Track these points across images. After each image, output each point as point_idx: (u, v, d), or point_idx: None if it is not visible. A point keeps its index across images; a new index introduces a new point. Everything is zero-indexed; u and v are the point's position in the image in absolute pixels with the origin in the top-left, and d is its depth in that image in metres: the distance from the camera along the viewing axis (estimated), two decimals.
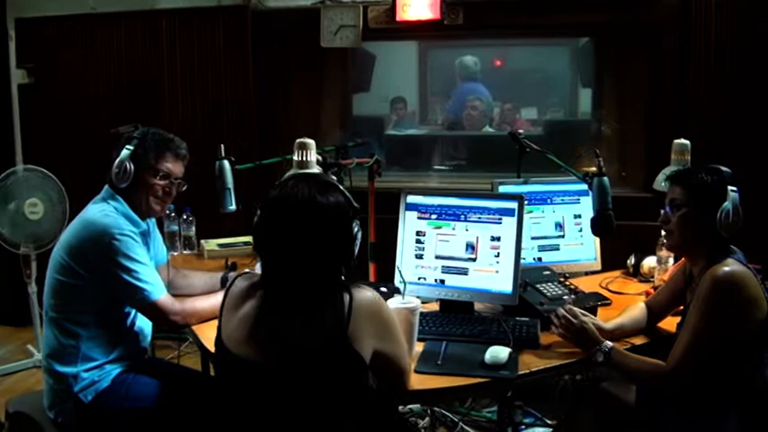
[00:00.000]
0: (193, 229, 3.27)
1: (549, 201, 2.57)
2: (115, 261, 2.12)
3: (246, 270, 1.89)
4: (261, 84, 3.93)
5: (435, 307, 2.30)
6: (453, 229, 2.26)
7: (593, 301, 2.27)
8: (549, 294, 2.28)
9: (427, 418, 3.03)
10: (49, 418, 2.16)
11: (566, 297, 2.25)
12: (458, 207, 2.26)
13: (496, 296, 2.22)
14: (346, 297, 1.59)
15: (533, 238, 2.56)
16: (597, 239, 2.59)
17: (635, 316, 2.17)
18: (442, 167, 4.91)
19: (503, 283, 2.20)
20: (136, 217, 2.27)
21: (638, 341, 2.10)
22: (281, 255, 1.64)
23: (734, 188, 1.88)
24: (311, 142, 2.20)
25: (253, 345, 1.59)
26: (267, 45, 3.91)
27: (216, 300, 2.32)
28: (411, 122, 6.31)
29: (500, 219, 2.22)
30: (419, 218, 2.30)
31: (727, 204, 1.87)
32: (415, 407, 3.09)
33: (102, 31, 3.96)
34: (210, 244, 3.22)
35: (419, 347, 2.03)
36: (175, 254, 3.20)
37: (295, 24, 3.86)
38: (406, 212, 2.31)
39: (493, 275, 2.21)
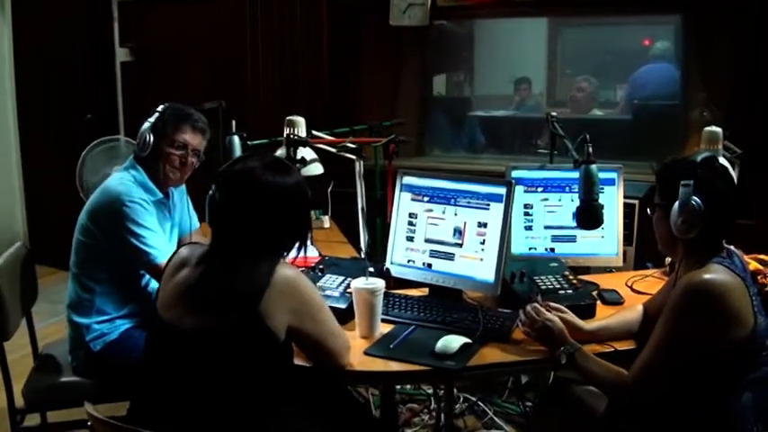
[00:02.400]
0: None
1: (567, 188, 2.40)
2: (124, 226, 2.30)
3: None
4: (334, 63, 3.99)
5: (426, 291, 2.25)
6: (443, 212, 2.19)
7: (580, 299, 2.08)
8: (544, 287, 2.15)
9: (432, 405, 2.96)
10: (67, 362, 2.39)
11: (561, 291, 2.11)
12: (449, 190, 2.19)
13: (479, 284, 2.12)
14: (266, 273, 1.61)
15: (547, 228, 2.41)
16: (620, 232, 2.38)
17: (626, 318, 1.98)
18: (542, 150, 4.74)
19: (486, 271, 2.11)
20: (152, 186, 2.43)
21: (623, 345, 1.91)
22: (219, 227, 1.70)
23: (687, 181, 1.65)
24: (300, 120, 2.22)
25: (177, 310, 1.66)
26: (341, 24, 3.96)
27: None
28: (536, 104, 6.12)
29: (488, 204, 2.12)
30: (413, 199, 2.25)
31: (676, 203, 1.66)
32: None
33: (194, 13, 4.21)
34: None
35: (385, 329, 2.01)
36: None
37: (369, 3, 3.87)
38: (401, 194, 2.27)
39: (477, 263, 2.12)
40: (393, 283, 2.31)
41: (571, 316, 1.92)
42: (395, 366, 1.82)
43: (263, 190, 1.67)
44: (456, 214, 2.17)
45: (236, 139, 2.46)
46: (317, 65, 4.00)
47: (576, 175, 2.38)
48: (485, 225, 2.12)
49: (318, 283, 2.18)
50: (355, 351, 1.87)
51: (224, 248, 1.68)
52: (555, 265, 2.28)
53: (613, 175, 2.38)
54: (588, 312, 2.09)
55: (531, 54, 6.40)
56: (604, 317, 2.02)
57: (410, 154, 4.31)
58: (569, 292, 2.13)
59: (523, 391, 3.00)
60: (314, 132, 2.32)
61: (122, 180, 2.39)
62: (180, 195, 2.66)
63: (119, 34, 4.35)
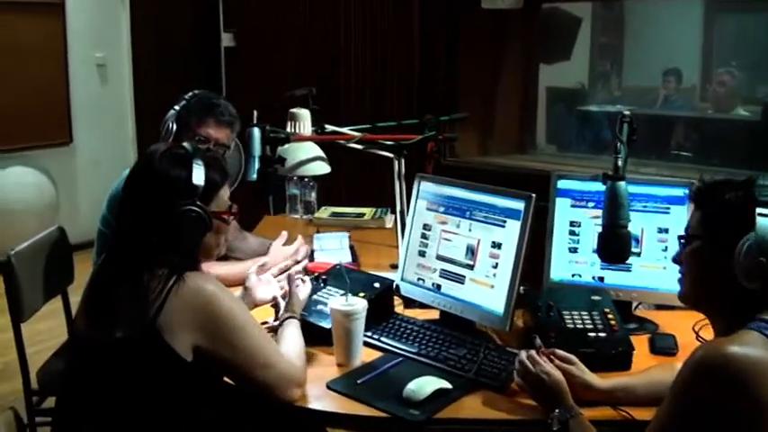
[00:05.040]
0: (314, 194, 3.25)
1: None
2: None
3: None
4: (426, 51, 3.70)
5: (436, 314, 1.94)
6: (458, 226, 1.87)
7: (609, 347, 1.67)
8: (571, 325, 1.76)
9: None
10: None
11: (591, 334, 1.72)
12: (464, 201, 1.86)
13: (486, 315, 1.78)
14: (169, 282, 1.42)
15: (596, 252, 1.99)
16: None
17: (657, 378, 1.55)
18: (681, 153, 4.14)
19: (496, 301, 1.76)
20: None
21: (644, 414, 1.49)
22: (117, 221, 1.58)
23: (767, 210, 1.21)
24: (303, 113, 1.98)
25: (80, 317, 1.52)
26: (435, 9, 3.66)
27: (234, 268, 2.31)
28: (686, 99, 5.45)
29: (504, 221, 1.77)
30: (428, 209, 1.95)
31: (751, 236, 1.22)
32: None
33: (292, 2, 4.12)
34: (324, 211, 3.18)
35: (370, 356, 1.74)
36: (296, 217, 3.22)
37: None
38: (418, 201, 1.98)
39: (487, 290, 1.78)
40: (405, 301, 2.03)
41: (579, 369, 1.53)
42: (350, 408, 1.55)
43: (150, 178, 1.51)
44: (470, 230, 1.84)
45: (255, 131, 2.28)
46: (408, 53, 3.73)
47: (638, 189, 1.97)
48: (499, 246, 1.77)
49: (315, 296, 1.96)
50: (322, 381, 1.63)
51: (121, 248, 1.50)
52: (597, 298, 1.87)
53: (683, 192, 1.92)
54: (620, 364, 1.69)
55: (684, 43, 5.70)
56: (632, 373, 1.61)
57: (508, 150, 3.94)
58: (601, 335, 1.73)
59: None
60: (331, 128, 2.08)
61: None
62: None
63: (223, 20, 4.36)
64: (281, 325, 1.70)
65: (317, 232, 2.88)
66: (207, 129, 2.31)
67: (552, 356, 1.54)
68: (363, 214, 3.11)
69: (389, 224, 3.00)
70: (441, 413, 1.51)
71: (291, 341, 1.62)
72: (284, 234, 2.41)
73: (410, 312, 2.01)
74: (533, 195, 1.70)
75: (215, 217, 1.55)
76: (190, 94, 2.40)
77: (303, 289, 1.79)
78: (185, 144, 1.57)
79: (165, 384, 1.44)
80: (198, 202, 1.49)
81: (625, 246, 1.56)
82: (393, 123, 2.48)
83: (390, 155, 2.31)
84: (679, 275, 1.42)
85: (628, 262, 1.95)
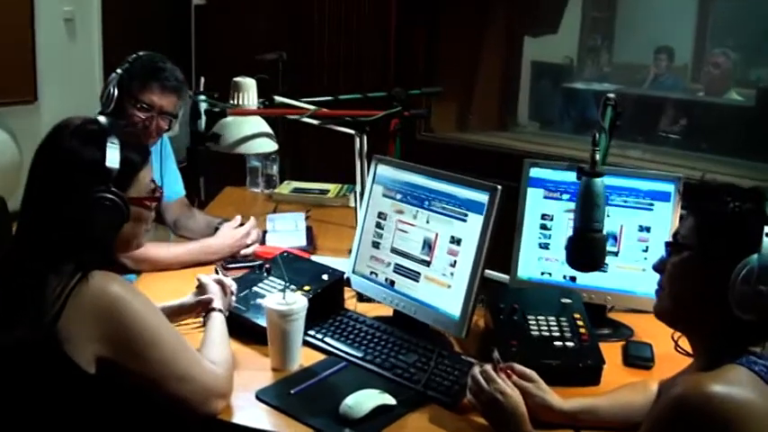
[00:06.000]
0: (275, 167, 3.04)
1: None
2: None
3: None
4: (404, 22, 3.46)
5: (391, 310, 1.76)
6: (415, 216, 1.67)
7: (577, 359, 1.49)
8: (536, 332, 1.58)
9: None
10: None
11: (557, 343, 1.54)
12: (424, 189, 1.66)
13: (442, 318, 1.59)
14: (71, 281, 1.22)
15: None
16: None
17: (627, 399, 1.38)
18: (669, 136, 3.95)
19: (452, 303, 1.57)
20: None
21: None
22: (22, 205, 1.35)
23: None
24: (248, 83, 1.75)
25: None
26: None
27: (176, 250, 2.11)
28: (677, 79, 5.24)
29: (465, 215, 1.57)
30: (384, 195, 1.75)
31: (753, 259, 1.03)
32: None
33: None
34: (285, 186, 2.97)
35: (311, 359, 1.56)
36: (257, 191, 3.01)
37: None
38: (374, 186, 1.77)
39: (443, 290, 1.59)
40: (359, 294, 1.84)
41: (539, 388, 1.35)
42: (278, 423, 1.36)
43: (57, 159, 1.30)
44: (428, 221, 1.64)
45: (203, 98, 2.05)
46: (385, 21, 3.48)
47: (618, 182, 1.77)
48: (458, 242, 1.57)
49: (255, 287, 1.76)
50: (252, 388, 1.45)
51: (23, 237, 1.30)
52: (567, 301, 1.68)
53: (669, 187, 1.73)
54: (588, 378, 1.52)
55: (679, 20, 5.47)
56: (600, 390, 1.43)
57: (489, 127, 3.73)
58: (569, 345, 1.55)
59: None
60: (282, 100, 1.86)
61: None
62: (160, 157, 2.32)
63: None
64: (205, 320, 1.51)
65: (275, 210, 2.68)
66: (150, 95, 2.09)
67: (510, 371, 1.36)
68: (328, 191, 2.90)
69: (353, 203, 2.80)
70: None
71: (216, 343, 1.43)
72: (237, 218, 2.21)
73: (363, 307, 1.83)
74: (499, 187, 1.50)
75: (134, 204, 1.34)
76: (134, 56, 2.17)
77: (232, 283, 1.60)
78: (100, 119, 1.35)
79: (65, 397, 1.25)
80: (113, 188, 1.28)
81: (598, 252, 1.37)
82: (358, 96, 2.27)
83: (351, 131, 2.10)
84: (657, 287, 1.23)
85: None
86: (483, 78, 3.65)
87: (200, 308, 1.56)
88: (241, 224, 2.20)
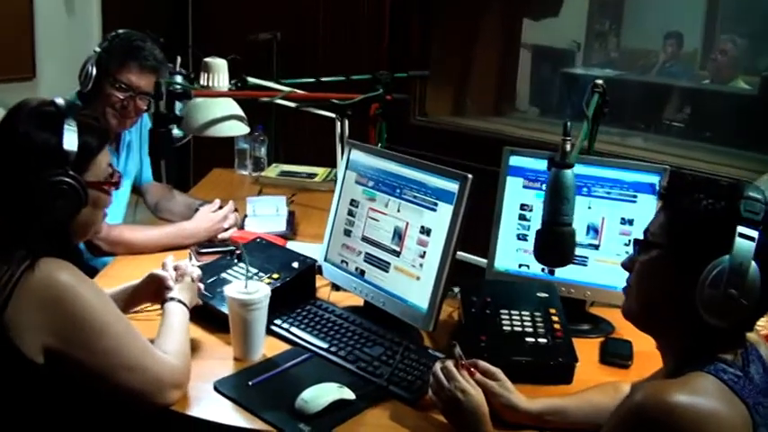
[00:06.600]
0: (263, 149, 2.98)
1: (585, 190, 1.70)
2: None
3: None
4: (398, 3, 3.37)
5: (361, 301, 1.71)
6: (386, 205, 1.61)
7: (548, 356, 1.44)
8: (507, 327, 1.53)
9: None
10: None
11: (529, 339, 1.48)
12: (396, 176, 1.60)
13: (409, 311, 1.54)
14: (18, 269, 1.17)
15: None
16: None
17: (596, 401, 1.33)
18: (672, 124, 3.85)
19: (420, 295, 1.52)
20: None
21: None
22: None
23: (751, 230, 0.96)
24: (218, 63, 1.69)
25: None
26: None
27: (151, 233, 2.07)
28: (686, 65, 5.13)
29: (435, 204, 1.51)
30: (357, 182, 1.69)
31: (724, 260, 0.97)
32: None
33: None
34: (272, 169, 2.91)
35: (276, 350, 1.52)
36: (244, 173, 2.96)
37: None
38: (347, 172, 1.72)
39: (412, 282, 1.54)
40: (333, 284, 1.79)
41: (503, 387, 1.30)
42: (232, 416, 1.31)
43: (11, 142, 1.26)
44: (399, 210, 1.58)
45: (178, 79, 1.99)
46: (379, 1, 3.39)
47: (600, 173, 1.71)
48: (428, 232, 1.52)
49: (224, 273, 1.72)
50: (212, 378, 1.40)
51: None
52: (544, 295, 1.62)
53: (654, 179, 1.66)
54: (560, 377, 1.47)
55: (689, 4, 5.34)
56: (569, 390, 1.38)
57: (487, 112, 3.65)
58: (541, 341, 1.49)
59: None
60: (255, 81, 1.79)
61: None
62: (140, 137, 2.28)
63: None
64: (162, 308, 1.46)
65: (259, 193, 2.63)
66: (128, 74, 2.05)
67: (474, 369, 1.31)
68: (315, 175, 2.85)
69: None
70: (337, 429, 1.29)
71: (172, 333, 1.39)
72: (216, 201, 2.17)
73: (337, 296, 1.78)
74: (469, 176, 1.44)
75: (92, 188, 1.30)
76: (112, 34, 2.12)
77: (194, 270, 1.55)
78: (57, 100, 1.30)
79: (13, 387, 1.21)
80: (71, 172, 1.24)
81: (566, 247, 1.31)
82: (341, 78, 2.20)
83: (331, 115, 2.04)
84: (625, 284, 1.17)
85: (583, 255, 1.72)
86: (480, 62, 3.56)
87: (158, 294, 1.52)
88: (220, 207, 2.15)
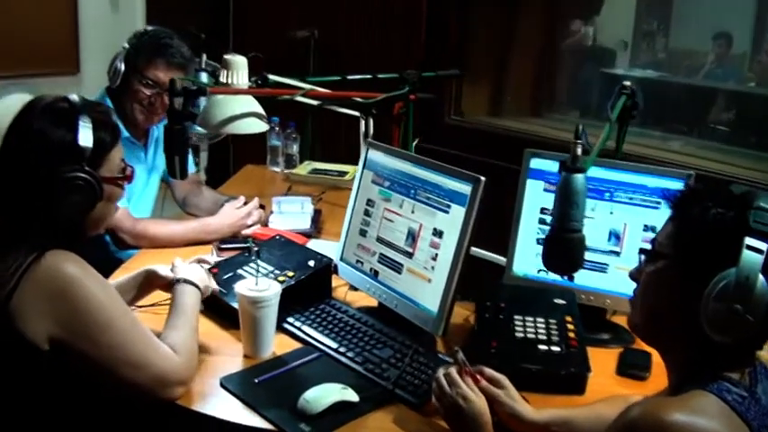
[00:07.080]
0: (295, 146, 3.00)
1: (607, 195, 1.65)
2: None
3: None
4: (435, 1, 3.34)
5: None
6: (401, 206, 1.60)
7: (560, 366, 1.40)
8: (520, 334, 1.50)
9: None
10: None
11: (542, 347, 1.45)
12: (411, 177, 1.58)
13: (420, 313, 1.52)
14: (26, 260, 1.20)
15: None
16: None
17: (603, 414, 1.27)
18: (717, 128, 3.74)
19: (431, 298, 1.50)
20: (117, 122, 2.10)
21: None
22: None
23: (760, 242, 0.92)
24: (238, 60, 1.69)
25: None
26: None
27: (175, 228, 2.10)
28: (735, 67, 4.97)
29: (448, 206, 1.49)
30: (373, 182, 1.68)
31: (730, 273, 0.93)
32: None
33: None
34: (304, 167, 2.92)
35: (286, 347, 1.52)
36: (276, 170, 2.98)
37: None
38: (364, 171, 1.71)
39: (424, 284, 1.52)
40: (349, 284, 1.78)
41: (510, 396, 1.27)
42: (236, 413, 1.32)
43: (27, 138, 1.28)
44: (413, 211, 1.56)
45: (203, 76, 2.02)
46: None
47: (624, 177, 1.67)
48: (440, 234, 1.50)
49: (240, 270, 1.73)
50: (219, 374, 1.41)
51: None
52: (561, 302, 1.59)
53: (678, 184, 1.60)
54: (572, 387, 1.43)
55: (738, 3, 5.18)
56: (578, 405, 1.34)
57: (524, 113, 3.59)
58: (554, 350, 1.46)
59: None
60: (276, 79, 1.79)
61: None
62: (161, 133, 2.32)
63: None
64: (173, 290, 1.47)
65: (288, 190, 2.64)
66: (156, 71, 2.08)
67: (480, 376, 1.29)
68: (346, 173, 2.85)
69: None
70: (338, 430, 1.28)
71: (182, 320, 1.39)
72: (241, 198, 2.19)
73: (354, 296, 1.77)
74: (482, 179, 1.41)
75: (107, 183, 1.32)
76: (142, 30, 2.16)
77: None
78: (71, 97, 1.33)
79: (19, 373, 1.24)
80: (86, 168, 1.26)
81: (575, 254, 1.27)
82: (368, 77, 2.19)
83: (356, 113, 2.03)
84: (632, 295, 1.13)
85: (604, 262, 1.67)
86: (519, 62, 3.51)
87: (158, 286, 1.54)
88: (245, 204, 2.17)
